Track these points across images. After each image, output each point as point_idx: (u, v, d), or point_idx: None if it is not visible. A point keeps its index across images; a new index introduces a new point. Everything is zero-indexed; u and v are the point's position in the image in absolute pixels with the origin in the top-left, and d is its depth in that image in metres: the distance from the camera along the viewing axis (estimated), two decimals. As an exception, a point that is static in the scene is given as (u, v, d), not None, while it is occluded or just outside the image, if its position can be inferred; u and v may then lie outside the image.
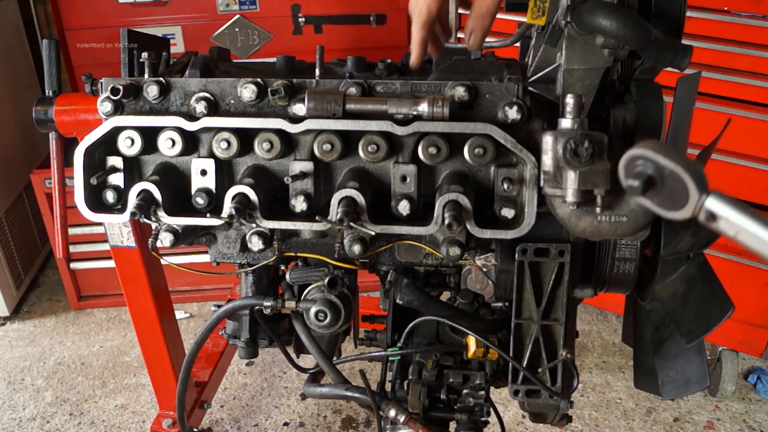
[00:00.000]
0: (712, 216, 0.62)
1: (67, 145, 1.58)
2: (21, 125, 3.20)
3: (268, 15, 2.98)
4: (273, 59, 1.35)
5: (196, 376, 2.29)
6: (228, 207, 1.13)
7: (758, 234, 0.60)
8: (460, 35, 2.82)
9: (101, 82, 1.21)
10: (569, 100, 0.99)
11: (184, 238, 1.22)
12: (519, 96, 1.09)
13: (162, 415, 2.16)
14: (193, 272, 1.34)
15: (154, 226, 1.21)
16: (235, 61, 1.45)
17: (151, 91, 1.16)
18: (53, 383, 2.68)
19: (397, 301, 1.26)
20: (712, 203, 0.62)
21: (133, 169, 1.22)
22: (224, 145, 1.14)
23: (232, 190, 1.14)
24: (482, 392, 1.29)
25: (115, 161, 1.20)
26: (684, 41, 1.03)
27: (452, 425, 1.33)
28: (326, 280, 1.26)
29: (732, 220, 0.61)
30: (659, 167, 0.62)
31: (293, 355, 1.46)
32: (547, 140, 0.99)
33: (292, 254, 1.28)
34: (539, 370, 1.21)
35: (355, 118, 1.10)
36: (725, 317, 1.13)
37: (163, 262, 1.46)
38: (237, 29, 3.00)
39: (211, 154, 1.18)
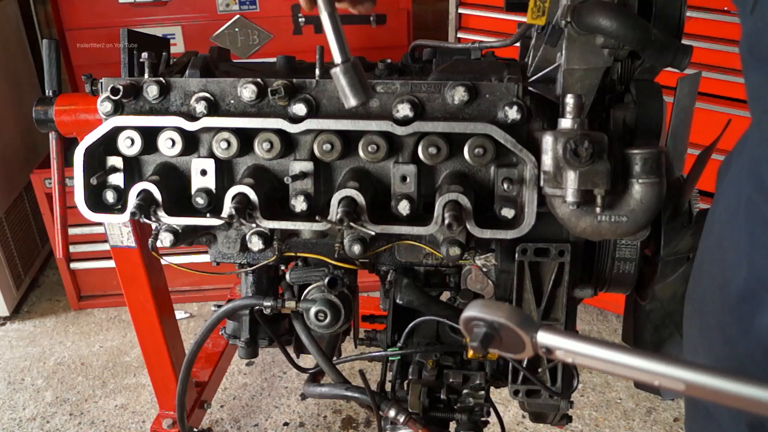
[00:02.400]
0: (548, 350, 0.67)
1: (67, 145, 1.58)
2: (21, 125, 3.20)
3: (268, 15, 2.98)
4: (273, 59, 1.35)
5: (196, 376, 2.29)
6: (228, 207, 1.13)
7: (589, 353, 0.65)
8: (460, 35, 2.83)
9: (101, 82, 1.21)
10: (569, 100, 0.99)
11: (184, 238, 1.22)
12: (519, 96, 1.09)
13: (162, 415, 2.16)
14: (193, 272, 1.34)
15: (154, 226, 1.21)
16: (235, 61, 1.44)
17: (151, 91, 1.16)
18: (53, 383, 2.68)
19: (397, 301, 1.26)
20: (542, 338, 0.67)
21: (133, 169, 1.22)
22: (224, 145, 1.14)
23: (232, 190, 1.14)
24: (482, 392, 1.29)
25: (115, 161, 1.20)
26: (684, 41, 1.04)
27: (452, 425, 1.33)
28: (326, 280, 1.26)
29: (564, 348, 0.66)
30: (490, 323, 0.68)
31: (293, 355, 1.46)
32: (547, 140, 0.99)
33: (292, 254, 1.28)
34: (539, 370, 1.21)
35: (355, 119, 1.10)
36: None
37: (163, 262, 1.46)
38: (237, 29, 3.00)
39: (211, 154, 1.18)
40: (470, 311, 0.70)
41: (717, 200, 0.95)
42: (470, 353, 1.26)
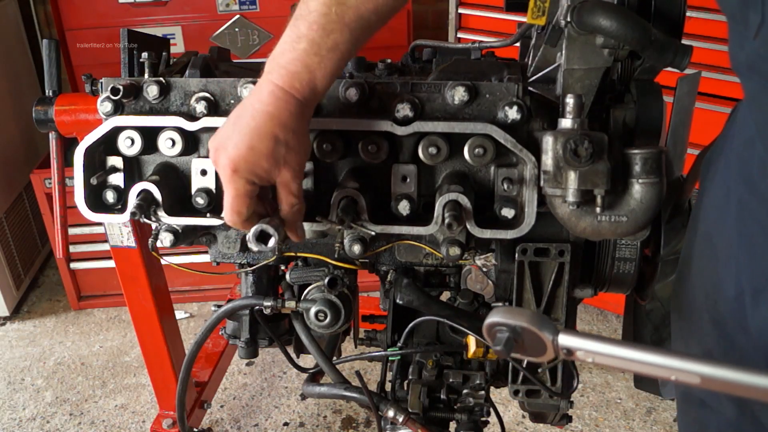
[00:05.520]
0: (569, 351, 0.71)
1: (67, 145, 1.58)
2: (21, 125, 3.20)
3: (268, 15, 2.98)
4: (273, 59, 1.35)
5: (196, 376, 2.29)
6: (228, 207, 1.13)
7: (607, 352, 0.69)
8: (460, 35, 2.83)
9: (101, 82, 1.21)
10: (569, 100, 0.99)
11: (184, 238, 1.22)
12: (519, 96, 1.09)
13: (162, 415, 2.16)
14: (193, 272, 1.34)
15: (154, 226, 1.21)
16: (235, 61, 1.44)
17: (151, 91, 1.16)
18: (53, 383, 2.68)
19: (397, 301, 1.26)
20: (564, 340, 0.71)
21: (133, 169, 1.22)
22: (224, 145, 1.14)
23: (232, 190, 1.13)
24: (482, 392, 1.29)
25: (115, 161, 1.20)
26: (684, 41, 1.04)
27: (452, 425, 1.33)
28: (326, 280, 1.26)
29: (585, 348, 0.70)
30: (512, 328, 0.72)
31: (293, 355, 1.46)
32: (547, 140, 0.99)
33: (292, 254, 1.28)
34: (539, 370, 1.21)
35: (355, 119, 1.10)
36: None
37: (163, 262, 1.46)
38: (237, 29, 3.00)
39: (211, 154, 1.18)
40: (493, 317, 0.72)
41: (703, 196, 0.95)
42: (470, 353, 1.26)
